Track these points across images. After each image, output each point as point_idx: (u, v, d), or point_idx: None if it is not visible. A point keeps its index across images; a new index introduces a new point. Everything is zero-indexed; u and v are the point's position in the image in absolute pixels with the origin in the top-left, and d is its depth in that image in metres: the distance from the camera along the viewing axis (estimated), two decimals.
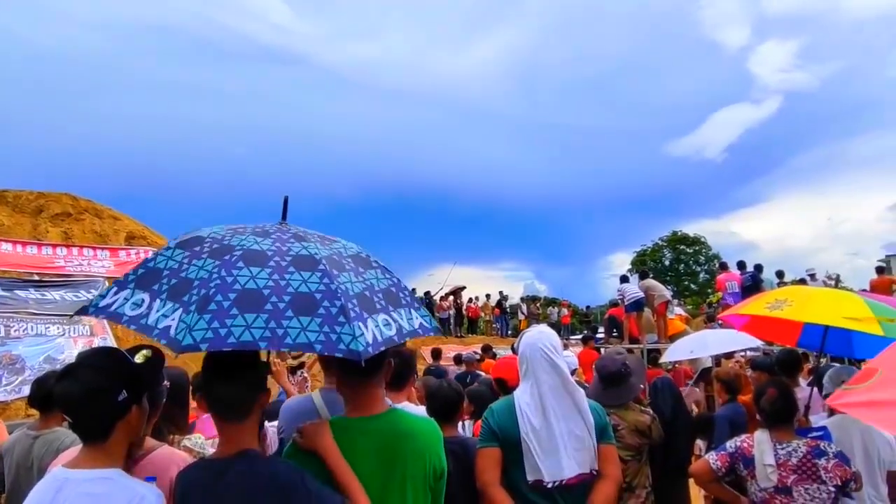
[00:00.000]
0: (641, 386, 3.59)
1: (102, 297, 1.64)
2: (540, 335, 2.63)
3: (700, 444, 6.99)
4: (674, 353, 7.49)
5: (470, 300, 22.81)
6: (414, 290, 23.43)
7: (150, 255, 1.73)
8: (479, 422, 3.45)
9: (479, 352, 11.06)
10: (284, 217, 1.91)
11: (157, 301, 1.54)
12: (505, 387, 3.49)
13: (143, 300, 1.56)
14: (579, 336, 26.53)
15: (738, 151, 70.60)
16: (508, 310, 24.79)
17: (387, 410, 1.90)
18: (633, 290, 10.94)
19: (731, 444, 2.98)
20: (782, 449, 2.82)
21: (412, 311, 1.79)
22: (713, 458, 2.96)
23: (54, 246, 11.42)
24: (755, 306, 3.58)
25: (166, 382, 1.99)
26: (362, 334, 1.51)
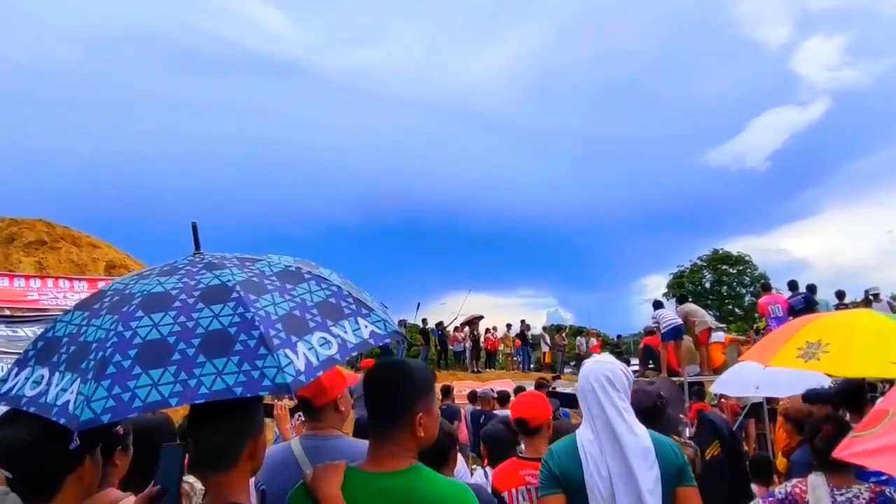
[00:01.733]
0: (682, 416, 3.49)
1: (4, 380, 1.63)
2: (595, 366, 2.62)
3: (755, 488, 6.76)
4: (731, 387, 7.21)
5: (487, 331, 22.62)
6: (425, 320, 23.47)
7: (49, 324, 1.74)
8: (500, 468, 3.39)
9: (495, 389, 10.89)
10: (197, 246, 1.87)
11: (56, 374, 1.52)
12: (526, 427, 3.38)
13: (42, 376, 1.54)
14: None
15: (784, 159, 70.19)
16: (531, 341, 24.55)
17: (408, 468, 1.80)
18: (671, 316, 10.80)
19: (780, 491, 2.88)
20: (841, 496, 2.70)
21: (359, 319, 1.72)
22: None
23: (27, 277, 11.49)
24: (784, 355, 3.35)
25: (119, 428, 1.94)
26: (290, 363, 1.46)
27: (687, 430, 4.68)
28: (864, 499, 2.67)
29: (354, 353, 1.67)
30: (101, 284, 12.22)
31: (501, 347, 23.46)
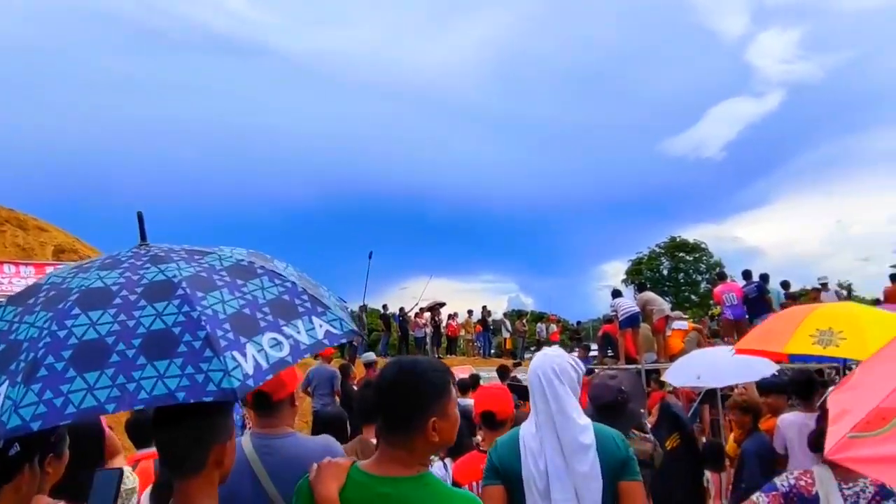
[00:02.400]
0: (643, 411, 3.49)
1: None
2: (542, 359, 2.58)
3: (707, 475, 6.92)
4: (675, 377, 7.37)
5: (450, 317, 22.65)
6: (385, 306, 23.33)
7: None
8: (461, 461, 3.36)
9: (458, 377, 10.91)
10: (143, 237, 1.77)
11: None
12: (493, 421, 3.34)
13: None
14: (573, 354, 26.53)
15: (739, 149, 71.86)
16: (492, 327, 24.69)
17: (411, 476, 1.73)
18: (629, 304, 10.97)
19: (781, 483, 2.83)
20: (848, 489, 2.70)
21: (313, 318, 1.64)
22: (764, 501, 2.82)
23: None
24: (798, 341, 3.34)
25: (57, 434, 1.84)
26: (237, 366, 1.38)
27: (646, 422, 4.71)
28: (869, 492, 2.67)
29: (308, 355, 1.58)
30: (49, 270, 11.88)
31: (462, 333, 23.53)
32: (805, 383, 4.94)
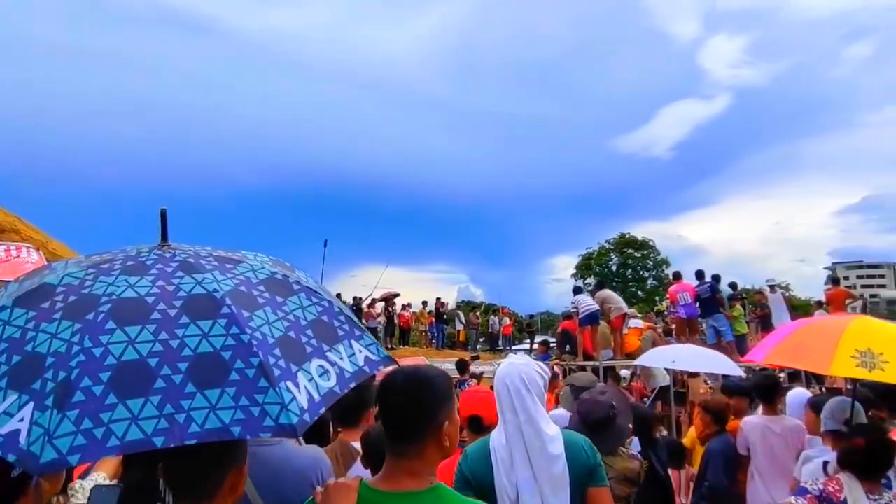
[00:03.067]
0: (630, 425, 3.50)
1: None
2: (509, 368, 2.57)
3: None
4: (652, 359, 7.64)
5: (403, 307, 22.62)
6: (339, 294, 23.05)
7: None
8: (441, 466, 3.29)
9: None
10: (164, 237, 1.63)
11: None
12: (479, 425, 3.29)
13: None
14: (523, 347, 26.86)
15: (687, 150, 74.13)
16: (445, 318, 24.77)
17: (424, 489, 1.67)
18: (589, 302, 11.11)
19: (812, 487, 2.91)
20: (874, 502, 2.80)
21: (352, 342, 1.54)
22: (801, 503, 2.87)
23: None
24: (842, 363, 3.28)
25: None
26: (293, 399, 1.28)
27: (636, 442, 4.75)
28: None
29: (352, 384, 1.46)
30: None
31: (415, 324, 23.53)
32: (769, 387, 5.07)
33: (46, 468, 1.11)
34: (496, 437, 2.50)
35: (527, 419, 2.45)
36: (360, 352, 1.53)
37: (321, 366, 1.41)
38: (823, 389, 7.81)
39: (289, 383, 1.30)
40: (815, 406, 4.25)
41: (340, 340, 1.52)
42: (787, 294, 15.93)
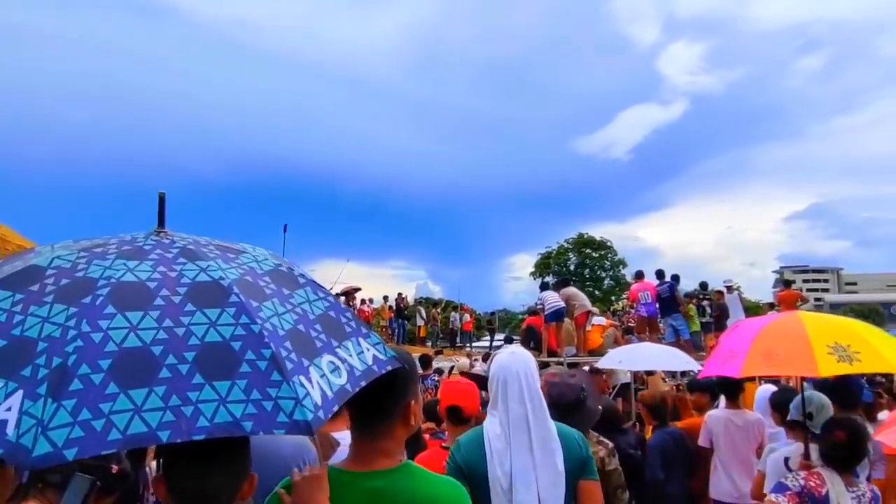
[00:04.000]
0: (599, 408, 3.56)
1: None
2: (512, 358, 2.59)
3: None
4: (604, 361, 7.85)
5: (363, 302, 22.48)
6: None
7: None
8: (422, 457, 3.28)
9: None
10: (161, 223, 1.55)
11: None
12: (459, 416, 3.31)
13: None
14: (483, 343, 26.98)
15: (645, 153, 75.61)
16: (406, 313, 24.71)
17: (396, 466, 1.69)
18: (555, 299, 11.21)
19: (792, 483, 2.96)
20: (852, 493, 2.89)
21: (360, 340, 1.49)
22: (782, 500, 2.93)
23: None
24: (825, 362, 3.29)
25: None
26: (307, 394, 1.21)
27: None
28: (867, 498, 2.89)
29: (363, 383, 1.41)
30: None
31: (375, 319, 23.39)
32: (731, 383, 5.24)
33: (40, 462, 1.02)
34: (490, 427, 2.50)
35: (533, 408, 2.47)
36: (368, 350, 1.49)
37: (332, 362, 1.36)
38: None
39: (302, 378, 1.24)
40: (775, 405, 4.45)
41: (349, 337, 1.47)
42: (741, 295, 16.40)
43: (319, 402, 1.23)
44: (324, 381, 1.29)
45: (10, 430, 1.04)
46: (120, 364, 1.13)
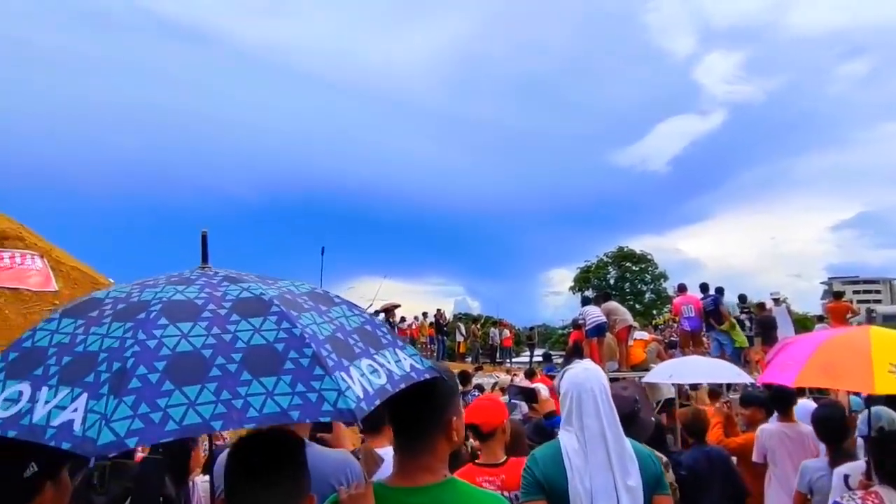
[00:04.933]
0: (653, 420, 3.51)
1: None
2: (586, 374, 2.61)
3: None
4: (652, 375, 7.70)
5: (403, 319, 22.54)
6: None
7: (25, 333, 1.45)
8: (457, 474, 3.27)
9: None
10: (205, 259, 1.70)
11: (45, 390, 1.26)
12: (479, 433, 3.30)
13: (19, 392, 1.27)
14: (523, 359, 26.81)
15: (683, 164, 74.53)
16: (445, 329, 24.72)
17: (439, 482, 1.71)
18: (596, 313, 11.07)
19: (850, 502, 2.87)
20: None
21: (397, 350, 1.58)
22: None
23: None
24: (884, 379, 3.19)
25: None
26: (349, 387, 1.29)
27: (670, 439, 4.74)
28: None
29: (402, 385, 1.49)
30: None
31: (419, 337, 23.44)
32: (784, 397, 5.10)
33: (104, 450, 1.11)
34: (568, 443, 2.52)
35: (609, 424, 2.49)
36: (405, 359, 1.57)
37: (371, 365, 1.44)
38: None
39: (342, 374, 1.32)
40: (818, 420, 4.28)
41: (385, 347, 1.56)
42: (789, 308, 15.93)
43: (361, 395, 1.30)
44: (364, 379, 1.37)
45: (77, 426, 1.15)
46: (174, 365, 1.23)
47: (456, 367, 16.24)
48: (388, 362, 1.50)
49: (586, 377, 2.58)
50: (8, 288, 10.73)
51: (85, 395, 1.20)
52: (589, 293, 42.08)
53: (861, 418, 3.78)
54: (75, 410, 1.18)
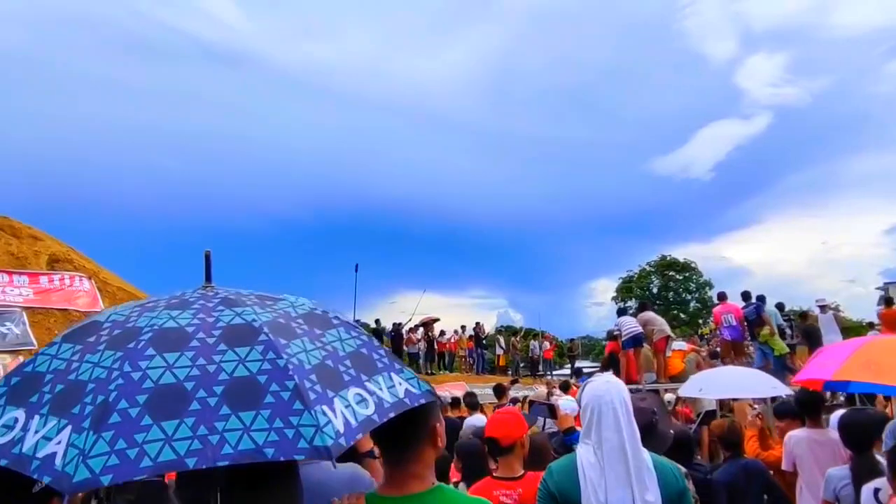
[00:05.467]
0: (671, 432, 3.44)
1: None
2: (607, 387, 2.60)
3: None
4: (684, 389, 7.53)
5: (442, 333, 22.56)
6: (378, 321, 23.20)
7: (32, 355, 1.51)
8: (475, 487, 3.28)
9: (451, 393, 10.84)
10: (208, 278, 1.70)
11: (36, 418, 1.29)
12: (497, 446, 3.29)
13: (15, 419, 1.31)
14: (564, 371, 26.47)
15: (727, 170, 72.72)
16: (485, 342, 24.61)
17: (427, 489, 1.75)
18: (632, 324, 10.93)
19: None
20: None
21: (392, 374, 1.57)
22: None
23: None
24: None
25: None
26: (328, 422, 1.29)
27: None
28: None
29: (392, 414, 1.48)
30: (43, 280, 11.67)
31: (458, 350, 23.41)
32: (812, 402, 4.95)
33: (78, 487, 1.13)
34: (585, 456, 2.51)
35: (629, 438, 2.48)
36: (401, 384, 1.56)
37: (359, 394, 1.43)
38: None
39: (325, 407, 1.32)
40: (844, 425, 4.12)
41: (380, 372, 1.55)
42: (838, 315, 15.30)
43: (342, 430, 1.30)
44: (348, 410, 1.36)
45: (58, 460, 1.18)
46: (155, 399, 1.24)
47: (495, 381, 16.19)
48: (380, 389, 1.50)
49: (607, 390, 2.56)
50: (58, 308, 11.24)
51: (69, 428, 1.23)
52: (632, 303, 41.49)
53: (888, 429, 3.63)
54: (59, 443, 1.21)
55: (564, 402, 6.91)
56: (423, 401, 1.59)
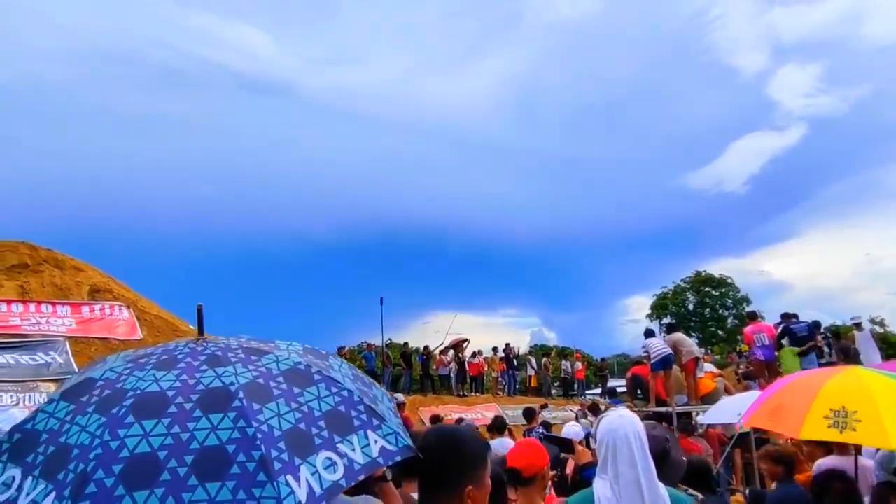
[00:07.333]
0: (684, 459, 3.48)
1: None
2: (621, 421, 2.63)
3: None
4: (716, 415, 7.40)
5: (473, 354, 22.51)
6: (406, 343, 23.27)
7: (34, 409, 1.60)
8: None
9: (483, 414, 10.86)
10: (201, 331, 1.77)
11: (29, 480, 1.37)
12: (518, 477, 3.36)
13: (13, 478, 1.40)
14: (596, 391, 26.14)
15: (763, 183, 71.31)
16: (516, 363, 24.48)
17: None
18: (661, 345, 10.80)
19: None
20: None
21: (368, 432, 1.59)
22: None
23: (9, 302, 11.33)
24: (813, 425, 3.20)
25: None
26: (290, 493, 1.33)
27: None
28: None
29: (361, 476, 1.52)
30: (84, 310, 12.01)
31: (486, 371, 23.32)
32: None
33: None
34: (601, 491, 2.55)
35: (644, 471, 2.51)
36: (376, 442, 1.57)
37: (329, 458, 1.46)
38: None
39: (289, 477, 1.36)
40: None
41: (355, 431, 1.57)
42: (882, 330, 14.88)
43: (303, 500, 1.35)
44: (315, 478, 1.40)
45: None
46: (129, 469, 1.32)
47: (526, 402, 16.12)
48: (353, 449, 1.52)
49: (621, 424, 2.60)
50: (99, 338, 11.61)
51: (53, 495, 1.32)
52: (667, 320, 40.80)
53: (876, 460, 3.60)
54: None
55: (567, 428, 6.93)
56: (399, 457, 1.59)
